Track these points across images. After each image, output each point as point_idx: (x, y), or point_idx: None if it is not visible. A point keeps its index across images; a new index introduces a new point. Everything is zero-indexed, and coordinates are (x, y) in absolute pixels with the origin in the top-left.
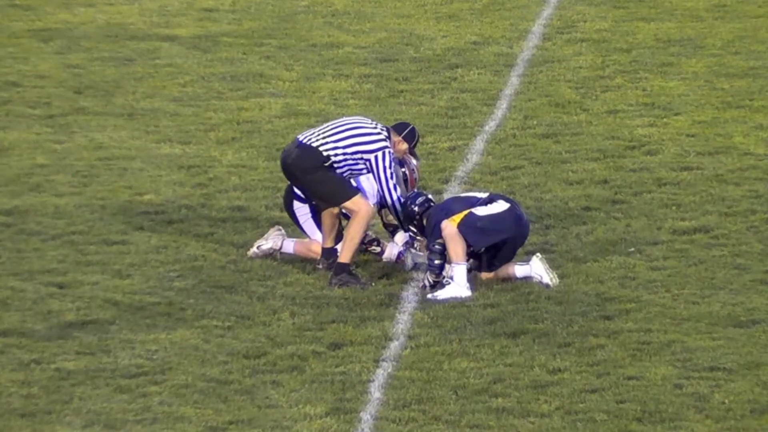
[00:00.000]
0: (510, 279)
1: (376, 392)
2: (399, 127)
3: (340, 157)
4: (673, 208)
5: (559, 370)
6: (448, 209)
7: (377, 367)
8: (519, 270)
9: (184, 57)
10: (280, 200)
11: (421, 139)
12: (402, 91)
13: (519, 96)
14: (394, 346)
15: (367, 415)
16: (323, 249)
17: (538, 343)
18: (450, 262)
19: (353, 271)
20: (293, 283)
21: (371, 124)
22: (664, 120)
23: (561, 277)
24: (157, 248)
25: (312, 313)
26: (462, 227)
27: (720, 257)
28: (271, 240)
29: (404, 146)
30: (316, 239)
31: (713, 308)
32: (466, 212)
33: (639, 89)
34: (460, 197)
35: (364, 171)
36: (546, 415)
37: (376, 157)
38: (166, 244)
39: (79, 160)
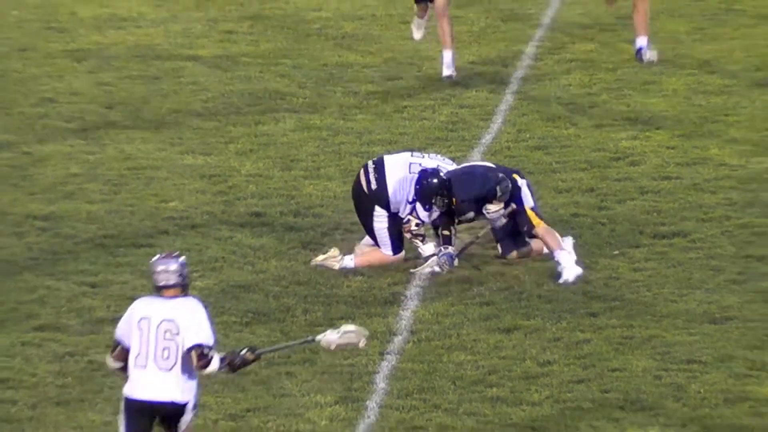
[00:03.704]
0: (540, 254)
1: (381, 383)
2: None
3: None
4: (654, 214)
5: (549, 363)
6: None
7: (382, 359)
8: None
9: (206, 75)
10: (294, 206)
11: None
12: (406, 107)
13: (513, 111)
14: (398, 340)
15: (372, 404)
16: None
17: (530, 338)
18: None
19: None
20: (305, 283)
21: None
22: (646, 133)
23: (550, 276)
24: (181, 250)
25: (323, 310)
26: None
27: (696, 259)
28: (329, 261)
29: None
30: (378, 249)
31: (690, 306)
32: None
33: (623, 105)
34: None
35: None
36: (537, 403)
37: None
38: (189, 246)
39: (109, 170)
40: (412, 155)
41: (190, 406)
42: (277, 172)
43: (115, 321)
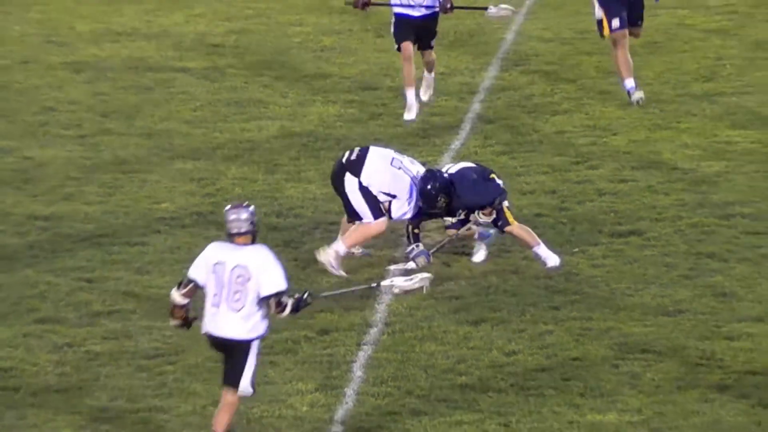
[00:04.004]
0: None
1: (358, 371)
2: None
3: None
4: (611, 214)
5: (514, 353)
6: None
7: (359, 349)
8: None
9: (195, 86)
10: (277, 208)
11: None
12: (380, 115)
13: (480, 119)
14: (374, 331)
15: (350, 391)
16: None
17: (496, 330)
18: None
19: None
20: (288, 279)
21: None
22: (604, 139)
23: (514, 272)
24: (172, 249)
25: None
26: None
27: (651, 256)
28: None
29: None
30: (360, 224)
31: (645, 300)
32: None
33: (583, 113)
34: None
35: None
36: (503, 390)
37: None
38: (179, 245)
39: (105, 173)
40: (394, 152)
41: (253, 346)
42: (261, 175)
43: (111, 314)
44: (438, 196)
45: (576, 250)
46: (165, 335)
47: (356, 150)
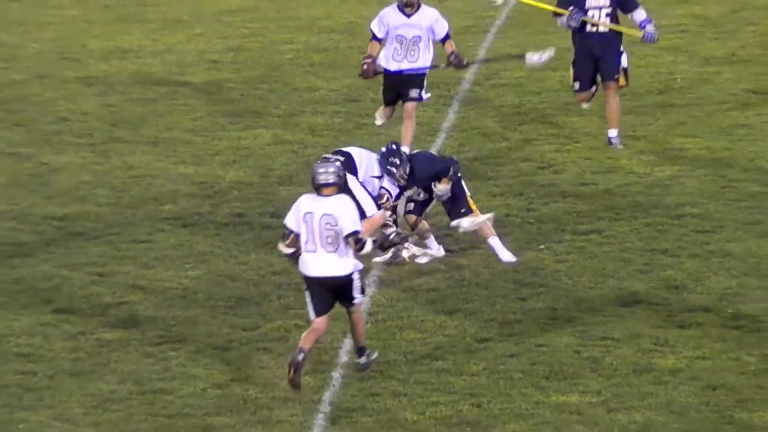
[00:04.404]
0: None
1: (344, 356)
2: None
3: None
4: (574, 214)
5: (486, 340)
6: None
7: (345, 337)
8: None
9: (196, 98)
10: (271, 209)
11: None
12: (364, 124)
13: (455, 128)
14: None
15: (337, 374)
16: None
17: (469, 319)
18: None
19: None
20: (280, 273)
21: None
22: (567, 147)
23: (486, 266)
24: (175, 246)
25: (295, 296)
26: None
27: (610, 252)
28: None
29: None
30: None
31: (604, 292)
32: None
33: (547, 123)
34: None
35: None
36: (475, 374)
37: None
38: (181, 242)
39: (114, 178)
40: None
41: (355, 280)
42: (256, 179)
43: (120, 305)
44: (399, 164)
45: (542, 246)
46: (169, 324)
47: (332, 155)
